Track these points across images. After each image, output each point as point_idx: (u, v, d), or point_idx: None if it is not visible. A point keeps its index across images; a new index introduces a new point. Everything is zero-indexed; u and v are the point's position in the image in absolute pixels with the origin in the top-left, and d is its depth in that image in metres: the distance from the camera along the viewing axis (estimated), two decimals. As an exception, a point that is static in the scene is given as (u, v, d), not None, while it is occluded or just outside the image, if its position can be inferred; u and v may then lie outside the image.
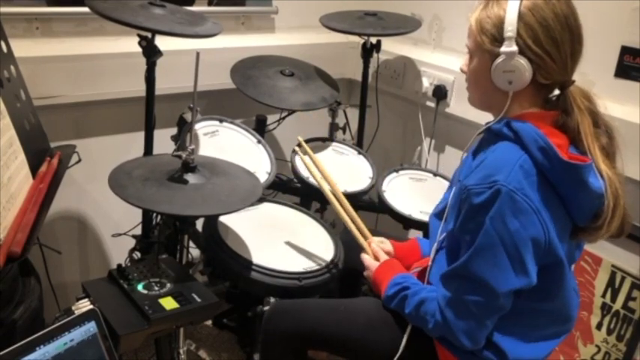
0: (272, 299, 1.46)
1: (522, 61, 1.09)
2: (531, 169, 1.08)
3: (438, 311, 1.18)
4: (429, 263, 1.30)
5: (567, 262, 1.21)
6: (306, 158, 1.64)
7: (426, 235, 1.65)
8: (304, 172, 1.83)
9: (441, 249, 1.29)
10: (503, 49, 1.10)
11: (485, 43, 1.13)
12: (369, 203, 1.99)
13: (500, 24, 1.10)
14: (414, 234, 1.85)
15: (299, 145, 1.69)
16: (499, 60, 1.11)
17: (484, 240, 1.08)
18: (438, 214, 1.36)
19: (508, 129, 1.12)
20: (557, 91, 1.17)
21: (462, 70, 1.24)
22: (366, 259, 1.41)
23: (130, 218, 1.84)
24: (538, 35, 1.08)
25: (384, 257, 1.40)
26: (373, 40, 2.08)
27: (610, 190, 1.10)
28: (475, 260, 1.11)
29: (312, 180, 1.81)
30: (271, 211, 1.75)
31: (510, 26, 1.08)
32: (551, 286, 1.17)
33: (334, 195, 1.53)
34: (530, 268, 1.09)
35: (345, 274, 1.57)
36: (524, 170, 1.07)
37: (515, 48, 1.09)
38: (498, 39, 1.11)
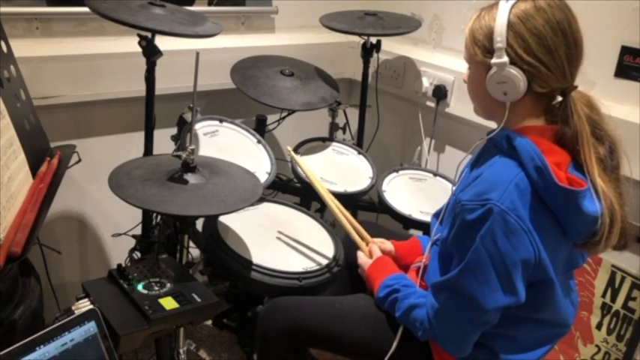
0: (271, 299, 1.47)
1: (515, 72, 1.07)
2: (527, 188, 1.06)
3: (426, 320, 1.19)
4: (424, 261, 1.32)
5: (566, 268, 1.21)
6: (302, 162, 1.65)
7: (426, 235, 1.66)
8: (304, 172, 1.84)
9: (435, 252, 1.30)
10: (493, 60, 1.08)
11: (478, 54, 1.11)
12: (369, 203, 1.99)
13: (490, 34, 1.08)
14: (414, 234, 1.85)
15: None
16: (492, 71, 1.09)
17: (474, 258, 1.08)
18: (438, 214, 1.36)
19: (507, 143, 1.11)
20: (560, 98, 1.14)
21: (464, 81, 1.22)
22: (360, 256, 1.43)
23: (130, 218, 1.84)
24: (529, 44, 1.06)
25: (377, 254, 1.41)
26: (373, 40, 2.08)
27: (605, 205, 1.07)
28: (464, 276, 1.11)
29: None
30: (271, 211, 1.75)
31: (499, 37, 1.06)
32: (539, 301, 1.16)
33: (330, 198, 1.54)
34: (519, 288, 1.09)
35: (354, 272, 1.57)
36: (519, 189, 1.05)
37: (505, 59, 1.06)
38: (490, 50, 1.09)
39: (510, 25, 1.06)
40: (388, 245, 1.46)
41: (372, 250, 1.43)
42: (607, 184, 1.09)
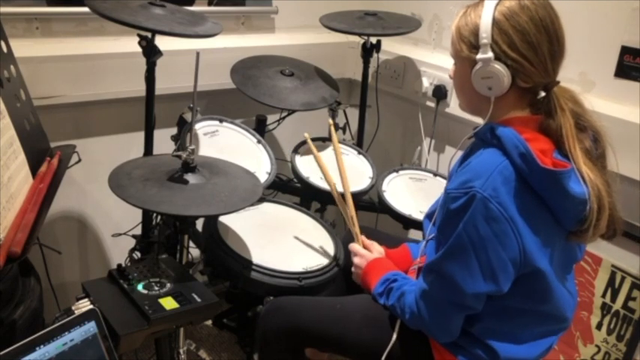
0: (272, 299, 1.47)
1: (499, 67, 1.09)
2: (511, 175, 1.07)
3: (414, 303, 1.21)
4: (420, 260, 1.33)
5: (565, 263, 1.21)
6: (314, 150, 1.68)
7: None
8: (304, 172, 1.84)
9: (432, 249, 1.30)
10: (479, 56, 1.10)
11: (464, 50, 1.14)
12: (369, 203, 1.99)
13: (476, 31, 1.11)
14: (414, 234, 1.86)
15: (304, 142, 1.70)
16: (477, 67, 1.12)
17: (456, 242, 1.10)
18: (430, 215, 1.38)
19: (491, 135, 1.13)
20: (543, 93, 1.17)
21: (450, 77, 1.25)
22: (357, 247, 1.44)
23: (130, 218, 1.84)
24: (513, 40, 1.08)
25: (376, 250, 1.43)
26: (373, 40, 2.08)
27: (592, 192, 1.09)
28: (447, 260, 1.13)
29: (312, 180, 1.81)
30: (271, 211, 1.75)
31: (485, 33, 1.09)
32: (535, 291, 1.17)
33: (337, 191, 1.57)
34: (500, 277, 1.10)
35: (350, 273, 1.58)
36: (503, 176, 1.07)
37: (490, 54, 1.09)
38: (475, 46, 1.12)
39: (495, 22, 1.09)
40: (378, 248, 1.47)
41: (369, 245, 1.45)
42: (593, 171, 1.11)
